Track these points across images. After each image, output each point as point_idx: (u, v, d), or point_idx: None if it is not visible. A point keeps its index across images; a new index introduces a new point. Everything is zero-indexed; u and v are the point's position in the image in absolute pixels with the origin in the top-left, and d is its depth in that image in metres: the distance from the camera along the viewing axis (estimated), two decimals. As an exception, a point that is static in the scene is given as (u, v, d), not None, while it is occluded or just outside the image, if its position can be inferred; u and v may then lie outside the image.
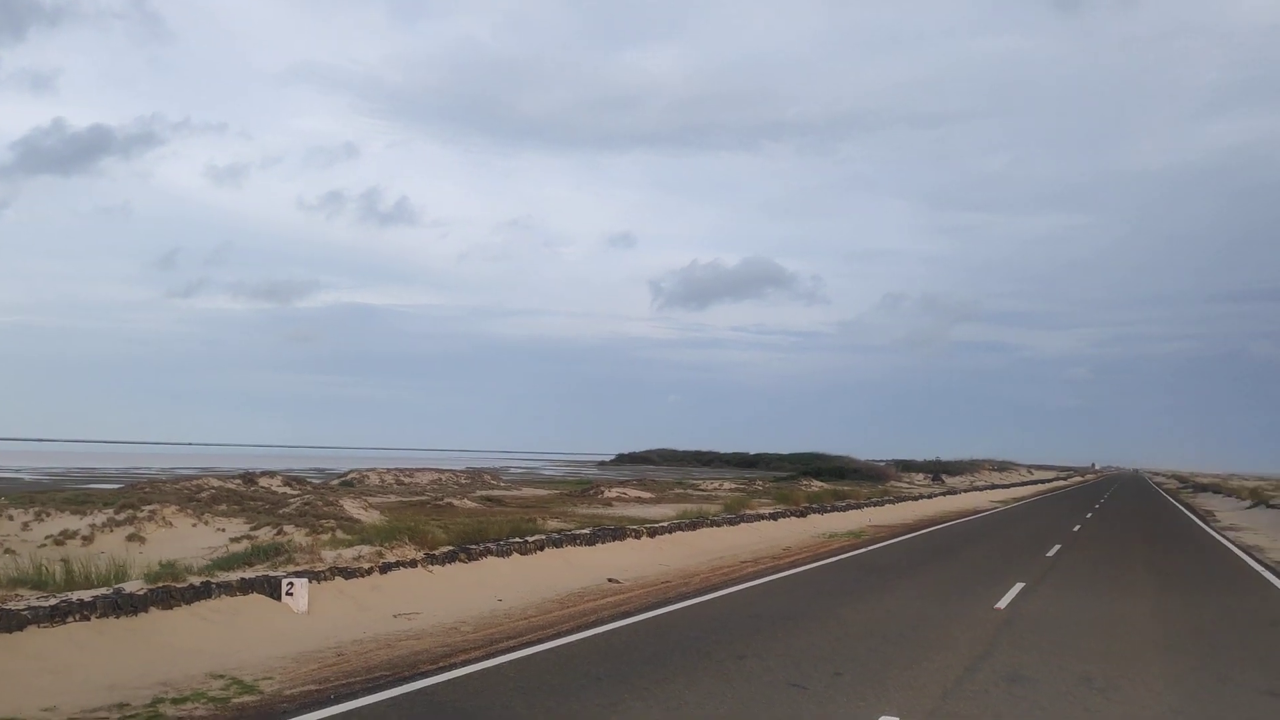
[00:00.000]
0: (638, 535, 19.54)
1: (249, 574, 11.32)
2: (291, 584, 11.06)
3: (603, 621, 11.85)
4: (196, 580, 10.39)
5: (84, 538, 29.49)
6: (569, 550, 16.93)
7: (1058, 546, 23.94)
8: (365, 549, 13.57)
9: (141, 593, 9.68)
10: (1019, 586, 15.80)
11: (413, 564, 13.35)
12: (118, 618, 9.28)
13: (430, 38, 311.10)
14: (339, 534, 18.60)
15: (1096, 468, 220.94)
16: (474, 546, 15.01)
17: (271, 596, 10.98)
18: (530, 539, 16.37)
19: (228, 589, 10.54)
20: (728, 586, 15.36)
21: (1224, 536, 30.50)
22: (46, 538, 29.22)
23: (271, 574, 11.34)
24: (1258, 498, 54.95)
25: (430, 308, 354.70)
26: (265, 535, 26.23)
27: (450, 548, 14.63)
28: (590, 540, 17.90)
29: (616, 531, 19.14)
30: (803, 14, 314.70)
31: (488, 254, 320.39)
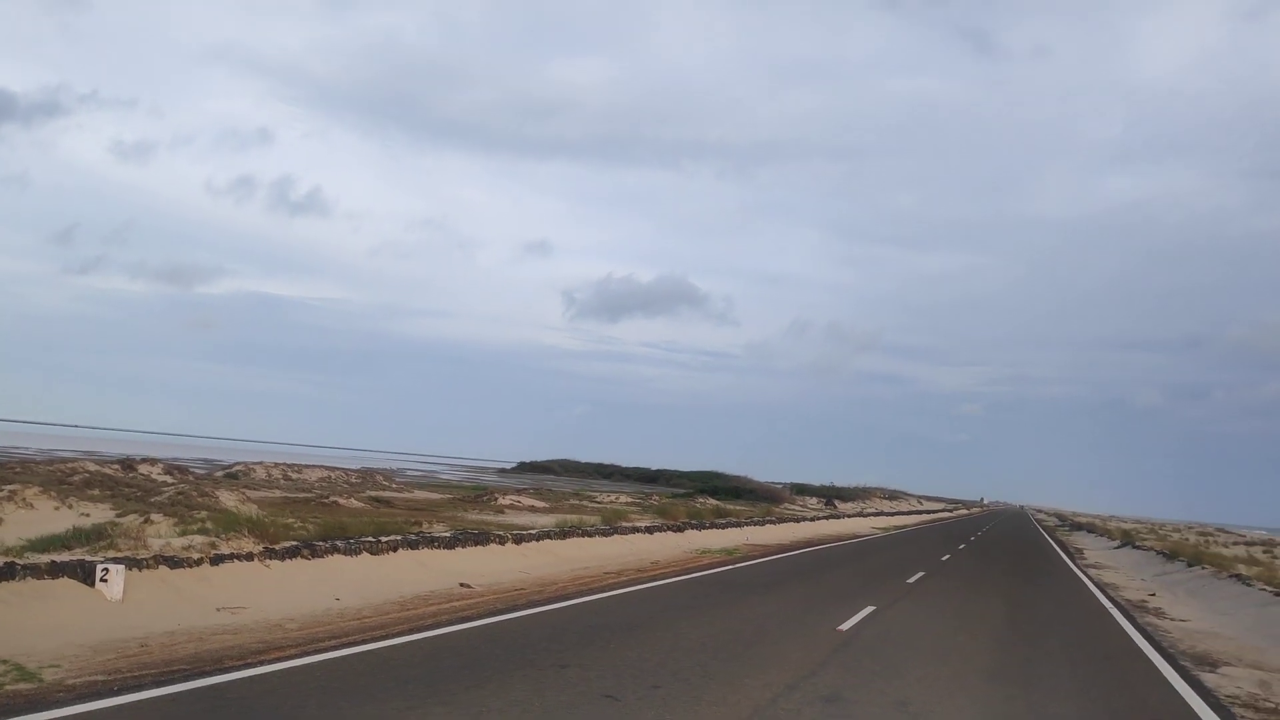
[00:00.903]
0: (502, 541, 19.26)
1: (63, 557, 10.78)
2: (106, 570, 10.56)
3: (439, 625, 11.59)
4: (0, 561, 9.84)
5: (-66, 516, 28.04)
6: (425, 553, 16.58)
7: (921, 573, 24.34)
8: (199, 539, 13.06)
9: (-68, 571, 9.13)
10: (869, 610, 15.95)
11: (249, 557, 12.89)
12: (-100, 596, 8.73)
13: (355, 29, 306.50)
14: (184, 523, 17.93)
15: (984, 502, 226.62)
16: (320, 544, 14.60)
17: (85, 582, 10.47)
18: (384, 539, 15.99)
19: (34, 571, 10.01)
20: (582, 596, 15.20)
21: (1085, 573, 31.43)
22: (-108, 514, 27.71)
23: (87, 559, 10.82)
24: (1128, 539, 56.93)
25: (337, 302, 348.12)
26: (130, 522, 25.30)
27: (294, 543, 14.19)
28: (450, 544, 17.57)
29: (479, 536, 18.83)
30: (730, 38, 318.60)
31: (399, 251, 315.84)
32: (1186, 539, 70.79)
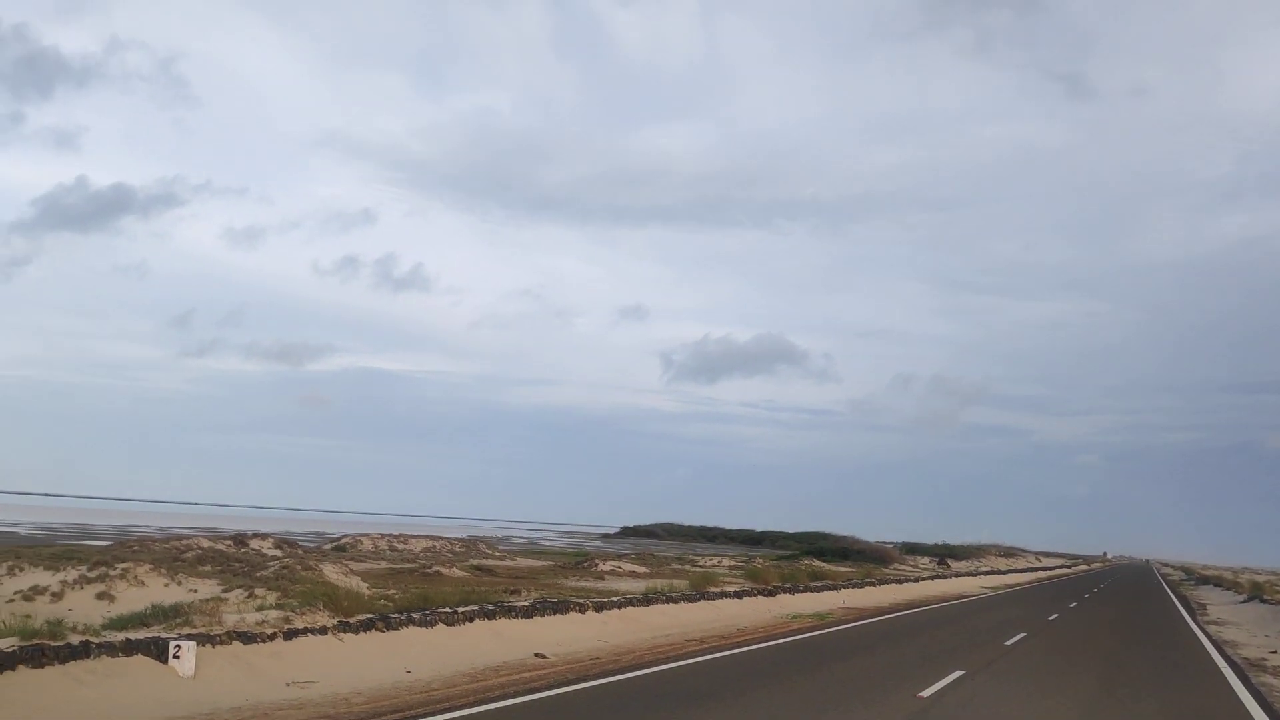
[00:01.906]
0: (581, 609, 19.19)
1: (139, 635, 11.12)
2: (179, 646, 10.86)
3: (506, 697, 11.57)
4: (76, 639, 10.20)
5: (53, 594, 29.21)
6: (501, 623, 16.63)
7: (1022, 635, 23.39)
8: (274, 614, 13.35)
9: (11, 650, 9.51)
10: (956, 675, 15.36)
11: (322, 631, 13.11)
12: (-21, 676, 9.10)
13: (452, 110, 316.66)
14: (257, 596, 18.35)
15: (1108, 556, 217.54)
16: (395, 616, 14.76)
17: (158, 659, 10.78)
18: (460, 610, 16.09)
19: (109, 649, 10.35)
20: (658, 665, 15.02)
21: (1204, 630, 29.80)
22: (15, 593, 28.95)
23: (162, 636, 11.14)
24: (1256, 591, 53.89)
25: (441, 374, 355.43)
26: (235, 597, 26.00)
27: (368, 616, 14.38)
28: (528, 613, 17.59)
29: (558, 605, 18.82)
30: (817, 96, 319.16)
31: (499, 323, 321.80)
32: (1324, 592, 66.72)
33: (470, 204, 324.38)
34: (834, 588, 34.67)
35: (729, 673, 14.66)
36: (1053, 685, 15.22)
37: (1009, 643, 21.55)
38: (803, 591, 31.37)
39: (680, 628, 20.62)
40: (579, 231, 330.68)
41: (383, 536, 75.53)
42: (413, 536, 78.38)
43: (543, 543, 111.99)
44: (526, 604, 18.26)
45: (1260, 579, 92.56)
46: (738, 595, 26.66)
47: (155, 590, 30.19)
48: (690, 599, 24.09)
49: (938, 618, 28.87)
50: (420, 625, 14.88)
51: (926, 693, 13.50)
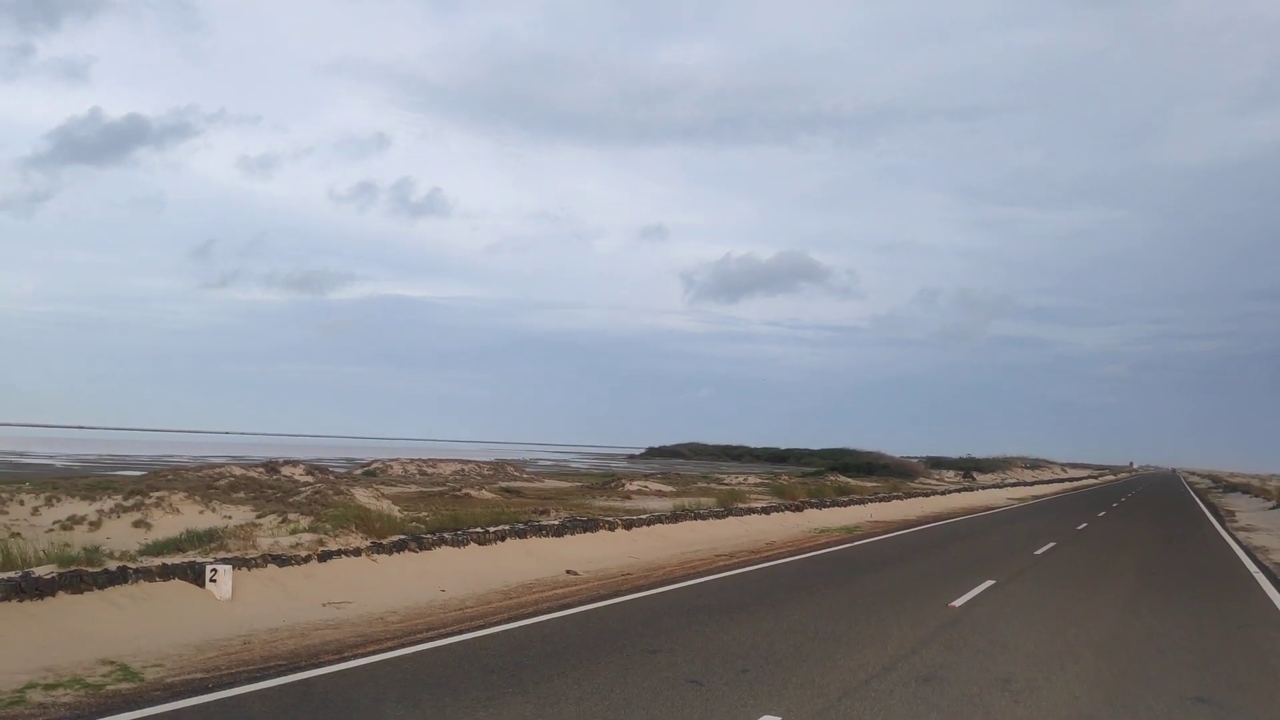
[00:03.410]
0: (611, 527, 19.29)
1: (175, 560, 11.22)
2: (215, 570, 10.95)
3: (539, 613, 11.64)
4: (113, 565, 10.29)
5: (91, 523, 29.81)
6: (532, 541, 16.73)
7: (1051, 544, 23.43)
8: (308, 537, 13.45)
9: (50, 576, 9.60)
10: (987, 584, 15.39)
11: (356, 552, 13.21)
12: (20, 601, 9.20)
13: (465, 31, 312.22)
14: (291, 520, 18.51)
15: (1134, 467, 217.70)
16: (428, 536, 14.86)
17: (195, 583, 10.88)
18: (491, 530, 16.18)
19: (146, 574, 10.44)
20: (688, 580, 15.11)
21: (1234, 536, 29.77)
22: (55, 523, 29.55)
23: (198, 560, 11.24)
24: (1284, 498, 53.71)
25: (462, 299, 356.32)
26: (270, 522, 26.36)
27: (401, 537, 14.48)
28: (558, 532, 17.69)
29: (588, 523, 18.91)
30: (838, 6, 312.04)
31: (518, 245, 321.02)
32: (1354, 496, 66.48)
33: (486, 127, 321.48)
34: (860, 502, 34.79)
35: (760, 586, 14.72)
36: (1084, 593, 15.22)
37: (1038, 552, 21.57)
38: (829, 506, 31.48)
39: (709, 543, 20.73)
40: (597, 152, 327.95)
41: (412, 461, 76.44)
42: (441, 460, 79.31)
43: (569, 465, 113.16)
44: (557, 523, 18.36)
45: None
46: (765, 511, 26.77)
47: (190, 517, 30.73)
48: (718, 515, 24.20)
49: (965, 530, 28.93)
50: (453, 545, 14.97)
51: (958, 602, 13.52)
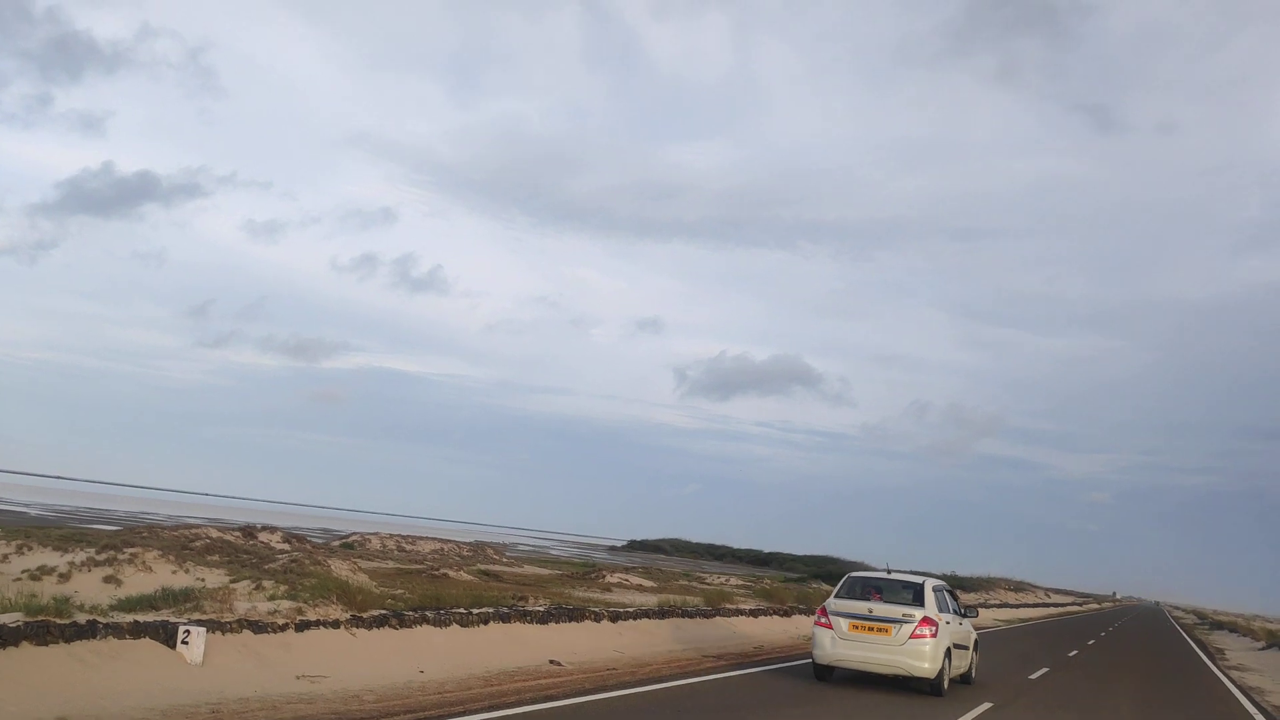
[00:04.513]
0: (597, 619, 18.72)
1: (148, 618, 10.72)
2: (188, 632, 10.45)
3: (521, 704, 11.12)
4: (83, 619, 9.80)
5: (60, 575, 28.96)
6: (517, 627, 16.17)
7: (1045, 669, 22.77)
8: (286, 604, 12.93)
9: (15, 625, 9.12)
10: (985, 706, 14.84)
11: (335, 624, 12.69)
12: (-20, 650, 8.71)
13: (482, 115, 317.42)
14: (265, 587, 17.94)
15: (1117, 597, 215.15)
16: (409, 614, 14.33)
17: (166, 644, 10.36)
18: (475, 611, 15.66)
19: (116, 630, 9.94)
20: (675, 679, 14.55)
21: (1227, 676, 29.07)
22: (23, 571, 28.71)
23: (171, 620, 10.74)
24: (1273, 639, 52.91)
25: (455, 377, 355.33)
26: (243, 587, 25.68)
27: (382, 612, 13.96)
28: (543, 619, 17.13)
29: (574, 612, 18.35)
30: (846, 121, 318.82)
31: (515, 328, 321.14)
32: (1343, 643, 65.59)
33: (494, 209, 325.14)
34: (848, 611, 34.05)
35: (752, 692, 14.16)
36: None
37: (1033, 677, 20.95)
38: (817, 613, 30.78)
39: (696, 643, 20.11)
40: (602, 242, 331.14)
41: (391, 536, 75.19)
42: (421, 538, 78.05)
43: (550, 551, 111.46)
44: (542, 610, 17.81)
45: (1273, 626, 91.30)
46: (753, 614, 26.12)
47: (163, 576, 29.87)
48: (705, 614, 23.58)
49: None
50: (435, 624, 14.44)
51: (957, 723, 12.98)
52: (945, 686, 15.94)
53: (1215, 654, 42.30)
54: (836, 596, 16.83)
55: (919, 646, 15.44)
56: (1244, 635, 65.36)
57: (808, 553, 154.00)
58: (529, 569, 60.43)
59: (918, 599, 16.31)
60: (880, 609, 15.95)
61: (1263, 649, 48.46)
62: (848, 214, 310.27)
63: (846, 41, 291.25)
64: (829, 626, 16.04)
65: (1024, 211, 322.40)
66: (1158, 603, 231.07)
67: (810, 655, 16.54)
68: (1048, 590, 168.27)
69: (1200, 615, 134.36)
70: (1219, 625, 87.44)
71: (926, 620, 15.68)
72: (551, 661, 14.74)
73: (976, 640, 18.95)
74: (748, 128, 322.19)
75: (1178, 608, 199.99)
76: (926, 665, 15.47)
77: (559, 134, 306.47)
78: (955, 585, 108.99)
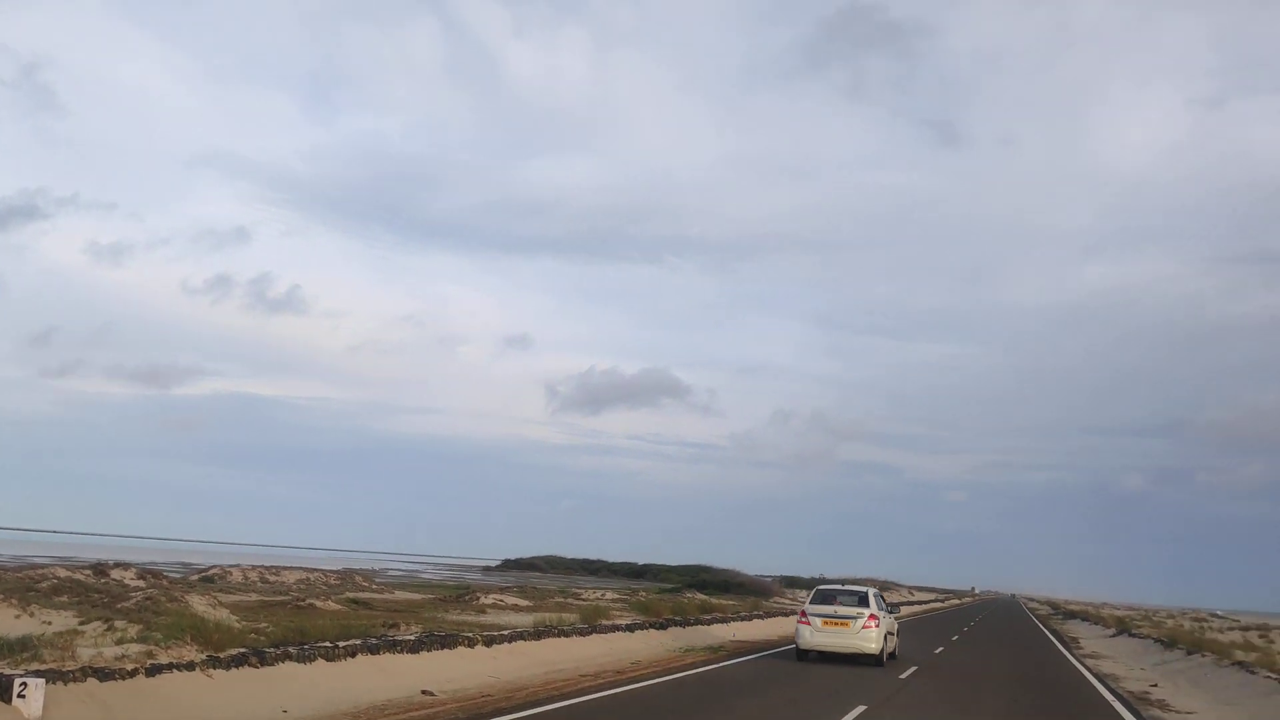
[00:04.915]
0: (470, 644, 18.26)
1: (-23, 673, 9.87)
2: (25, 684, 9.66)
3: (393, 738, 10.68)
4: (-99, 678, 8.95)
5: (-119, 629, 26.82)
6: (385, 657, 15.61)
7: (913, 668, 23.32)
8: (136, 648, 12.15)
9: None
10: (859, 710, 15.04)
11: (190, 666, 11.97)
12: None
13: (340, 133, 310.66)
14: (117, 628, 16.94)
15: (975, 591, 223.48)
16: (271, 650, 13.66)
17: (0, 699, 9.56)
18: (341, 644, 15.04)
19: (-60, 690, 9.11)
20: (553, 702, 14.26)
21: (1083, 664, 30.36)
22: None
23: (4, 672, 9.92)
24: (1122, 626, 55.72)
25: (317, 400, 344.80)
26: (94, 629, 24.20)
27: (241, 650, 13.27)
28: (414, 648, 16.60)
29: (446, 639, 17.85)
30: (707, 136, 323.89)
31: (380, 348, 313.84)
32: (1182, 625, 69.48)
33: (355, 227, 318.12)
34: (723, 620, 34.28)
35: (629, 710, 14.01)
36: (957, 715, 15.01)
37: (903, 676, 21.42)
38: (693, 625, 30.88)
39: (573, 662, 19.84)
40: (469, 259, 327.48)
41: (253, 568, 72.31)
42: (285, 568, 75.33)
43: (421, 575, 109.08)
44: (413, 638, 17.26)
45: (1120, 613, 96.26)
46: (629, 629, 25.98)
47: (4, 622, 27.93)
48: (582, 632, 23.32)
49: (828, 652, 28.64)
50: (298, 660, 13.79)
51: (835, 729, 13.09)
52: (884, 660, 23.52)
53: (1070, 643, 44.20)
54: (811, 603, 24.49)
55: (868, 634, 23.16)
56: (1095, 623, 68.57)
57: (682, 563, 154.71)
58: (401, 595, 58.91)
59: (863, 602, 23.81)
60: (841, 610, 23.55)
61: (1113, 635, 50.94)
62: (711, 229, 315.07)
63: (705, 58, 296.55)
64: (808, 623, 23.70)
65: (878, 224, 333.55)
66: (1014, 595, 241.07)
67: (794, 643, 24.44)
68: (911, 588, 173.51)
69: (1054, 605, 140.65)
70: (1071, 614, 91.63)
71: (872, 616, 23.38)
72: (424, 692, 14.27)
73: (898, 629, 26.66)
74: (611, 143, 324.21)
75: (1032, 599, 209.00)
76: (873, 646, 23.12)
77: (421, 151, 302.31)
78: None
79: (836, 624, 23.34)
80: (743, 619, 36.92)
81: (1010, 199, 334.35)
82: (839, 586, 26.13)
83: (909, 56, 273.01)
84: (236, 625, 21.52)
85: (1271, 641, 52.38)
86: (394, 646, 16.14)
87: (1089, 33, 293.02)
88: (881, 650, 23.32)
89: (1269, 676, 22.63)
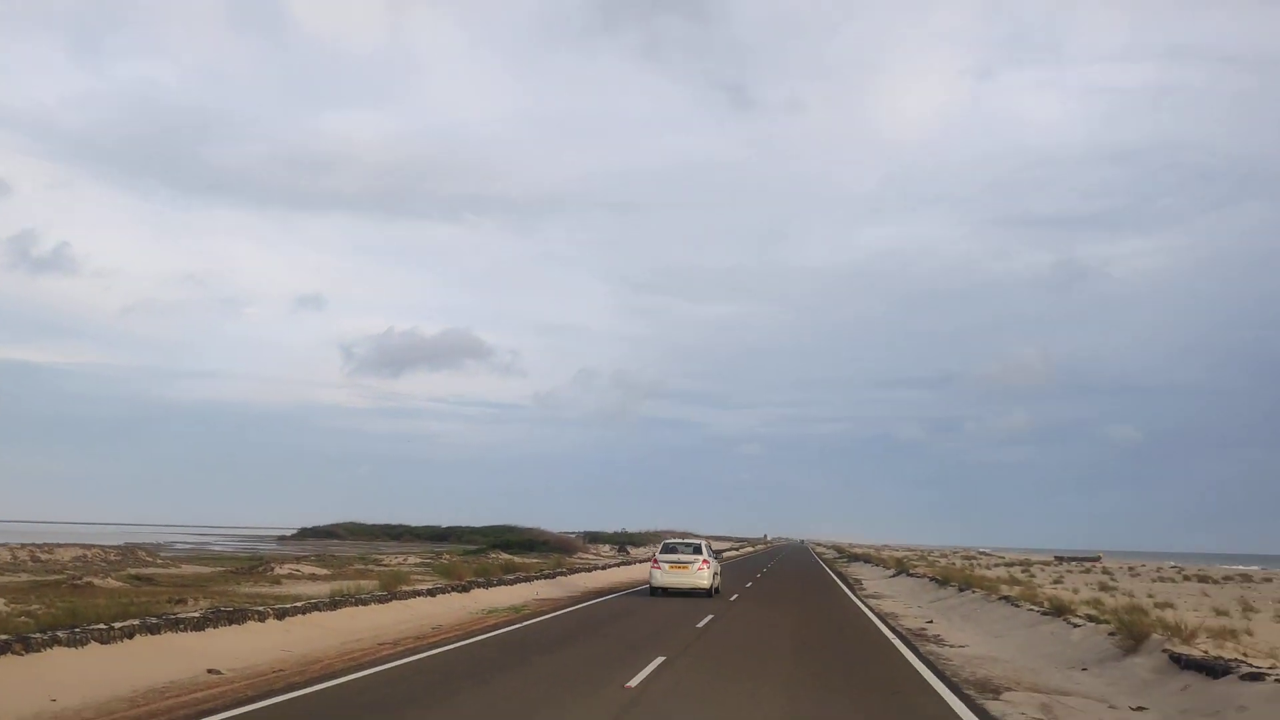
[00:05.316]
0: (261, 618, 17.54)
1: None
2: None
3: (173, 723, 10.13)
4: None
5: None
6: (167, 637, 14.78)
7: (710, 617, 24.09)
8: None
9: None
10: (658, 661, 15.36)
11: (-61, 660, 10.96)
12: None
13: (111, 80, 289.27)
14: None
15: (768, 538, 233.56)
16: (37, 635, 12.68)
17: None
18: (117, 625, 14.13)
19: None
20: (350, 673, 13.87)
21: (866, 604, 32.15)
22: None
23: None
24: (901, 567, 59.37)
25: (90, 366, 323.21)
26: None
27: (4, 637, 12.25)
28: (199, 625, 15.79)
29: (234, 614, 17.08)
30: (505, 95, 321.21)
31: (158, 309, 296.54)
32: (953, 564, 74.89)
33: (128, 180, 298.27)
34: (527, 580, 34.35)
35: (430, 676, 13.78)
36: (750, 665, 15.57)
37: (700, 625, 22.06)
38: (496, 585, 30.79)
39: (372, 631, 19.40)
40: (255, 216, 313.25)
41: (23, 546, 67.54)
42: (59, 545, 70.77)
43: (212, 548, 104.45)
44: (197, 615, 16.40)
45: (899, 554, 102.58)
46: (430, 593, 25.63)
47: None
48: (381, 600, 22.82)
49: (629, 604, 29.21)
50: (68, 645, 12.86)
51: (633, 682, 13.30)
52: (713, 593, 31.63)
53: (855, 584, 46.73)
54: (660, 553, 32.32)
55: (702, 574, 31.10)
56: (877, 565, 72.81)
57: (487, 524, 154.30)
58: (188, 569, 56.18)
59: (698, 551, 32.07)
60: (682, 558, 31.65)
61: (892, 576, 54.22)
62: (511, 187, 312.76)
63: (500, 12, 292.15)
64: (659, 568, 31.45)
65: (674, 185, 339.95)
66: (803, 541, 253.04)
67: (648, 582, 32.25)
68: (708, 538, 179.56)
69: (839, 549, 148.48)
70: (855, 558, 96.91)
71: (705, 561, 31.50)
72: (210, 671, 13.61)
73: (720, 570, 34.97)
74: (407, 99, 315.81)
75: (820, 544, 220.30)
76: (706, 583, 31.08)
77: (201, 101, 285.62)
78: (626, 540, 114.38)
79: (679, 568, 31.16)
80: (546, 577, 37.12)
81: (799, 163, 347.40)
82: (680, 541, 34.16)
83: (702, 19, 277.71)
84: (3, 609, 19.98)
85: (1033, 576, 57.15)
86: (177, 625, 15.30)
87: (871, 1, 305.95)
88: (711, 586, 31.37)
89: (1032, 610, 24.59)
